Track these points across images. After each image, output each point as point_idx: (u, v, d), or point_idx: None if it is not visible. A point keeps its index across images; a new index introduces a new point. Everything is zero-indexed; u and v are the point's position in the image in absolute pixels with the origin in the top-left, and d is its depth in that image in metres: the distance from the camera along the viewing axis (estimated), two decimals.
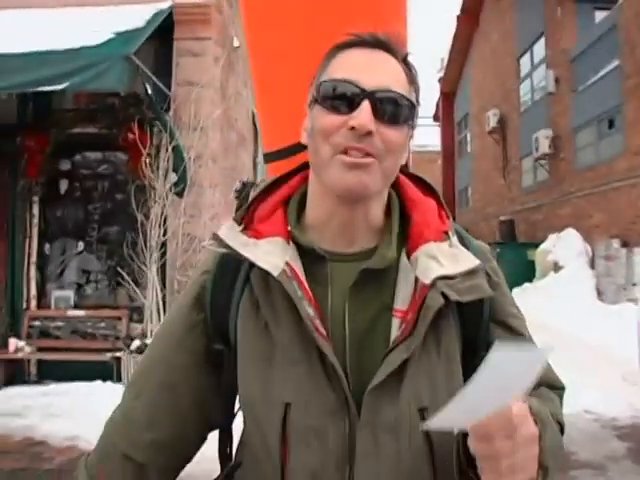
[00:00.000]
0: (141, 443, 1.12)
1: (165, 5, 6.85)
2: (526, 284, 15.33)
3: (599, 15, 15.90)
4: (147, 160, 6.56)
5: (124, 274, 6.83)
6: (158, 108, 6.51)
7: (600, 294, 13.20)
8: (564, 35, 16.65)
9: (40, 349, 7.09)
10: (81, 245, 7.66)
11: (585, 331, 10.51)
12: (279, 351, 1.03)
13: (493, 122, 22.26)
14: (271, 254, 1.04)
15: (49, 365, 7.07)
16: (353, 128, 0.98)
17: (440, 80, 32.95)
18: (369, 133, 0.98)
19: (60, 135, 7.25)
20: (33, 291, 7.43)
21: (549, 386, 1.17)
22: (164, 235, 6.77)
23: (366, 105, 0.98)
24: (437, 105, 34.74)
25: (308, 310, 1.00)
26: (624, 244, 13.04)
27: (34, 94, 6.84)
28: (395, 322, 1.03)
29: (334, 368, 0.98)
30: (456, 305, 1.05)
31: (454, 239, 1.10)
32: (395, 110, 1.01)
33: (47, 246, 7.63)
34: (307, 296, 1.01)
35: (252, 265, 1.05)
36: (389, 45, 1.05)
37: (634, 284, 12.33)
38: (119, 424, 1.16)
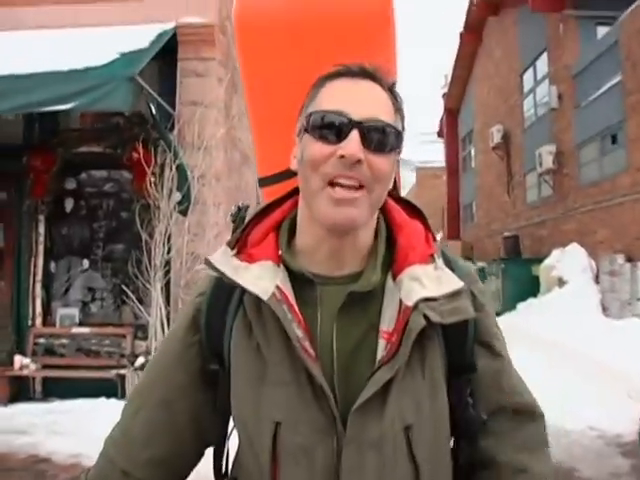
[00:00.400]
0: (139, 460, 1.15)
1: (169, 26, 6.94)
2: (531, 299, 15.27)
3: (601, 31, 15.94)
4: (151, 179, 6.62)
5: (128, 292, 6.87)
6: (162, 128, 6.58)
7: (605, 309, 13.14)
8: (566, 51, 16.71)
9: (45, 366, 7.13)
10: (86, 263, 7.73)
11: (590, 346, 10.44)
12: (270, 371, 1.06)
13: (497, 138, 22.27)
14: (261, 278, 1.07)
15: (54, 382, 7.10)
16: (342, 157, 1.00)
17: (444, 96, 33.05)
18: (358, 162, 1.01)
19: (66, 154, 7.35)
20: (38, 309, 7.49)
21: (526, 411, 1.18)
22: (168, 253, 6.81)
23: (355, 135, 1.01)
24: (441, 121, 34.78)
25: (297, 332, 1.02)
26: (628, 259, 12.99)
27: (40, 114, 6.92)
28: (381, 343, 1.06)
29: (322, 388, 1.01)
30: (441, 326, 1.07)
31: (439, 262, 1.13)
32: (382, 139, 1.04)
33: (52, 264, 7.69)
34: (297, 318, 1.04)
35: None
36: (375, 75, 1.08)
37: (639, 299, 12.29)
38: (118, 441, 1.19)
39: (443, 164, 34.95)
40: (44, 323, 7.50)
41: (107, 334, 7.26)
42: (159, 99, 6.65)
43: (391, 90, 1.10)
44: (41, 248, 7.54)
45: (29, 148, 7.43)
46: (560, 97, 17.00)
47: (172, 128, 7.07)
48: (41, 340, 7.29)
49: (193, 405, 1.17)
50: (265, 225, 1.18)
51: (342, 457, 1.00)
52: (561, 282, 14.22)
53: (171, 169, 6.67)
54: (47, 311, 7.59)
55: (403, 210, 1.21)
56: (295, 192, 1.20)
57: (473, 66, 27.97)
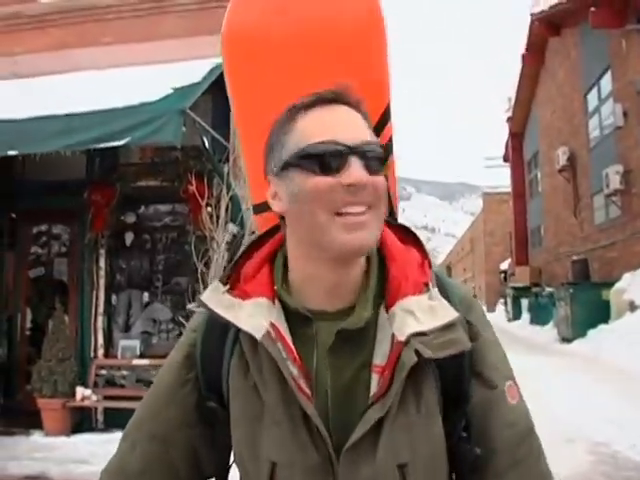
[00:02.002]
0: None
1: (222, 60, 7.06)
2: (601, 325, 14.73)
3: None
4: (207, 210, 6.70)
5: (186, 324, 6.91)
6: (215, 160, 6.68)
7: None
8: (630, 67, 16.30)
9: (106, 397, 7.25)
10: (146, 295, 7.87)
11: None
12: (266, 411, 1.04)
13: (563, 160, 21.85)
14: (255, 316, 1.05)
15: (115, 413, 7.19)
16: (350, 185, 0.99)
17: (508, 120, 32.67)
18: (364, 186, 1.00)
19: (124, 189, 7.54)
20: (100, 341, 7.65)
21: (519, 446, 1.09)
22: None
23: (355, 160, 1.00)
24: (506, 145, 34.39)
25: (292, 370, 1.01)
26: None
27: (101, 151, 7.13)
28: (374, 377, 1.03)
29: (318, 428, 0.99)
30: (435, 359, 1.03)
31: (434, 291, 1.08)
32: (377, 159, 1.04)
33: (114, 297, 7.86)
34: (292, 356, 1.02)
35: None
36: (346, 97, 1.07)
37: None
38: (113, 474, 1.18)
39: (510, 189, 34.49)
40: (106, 355, 7.65)
41: None
42: (213, 132, 6.76)
43: (359, 109, 1.08)
44: (102, 282, 7.72)
45: (90, 183, 7.67)
46: (626, 114, 16.57)
47: (227, 160, 7.16)
48: (102, 371, 7.42)
49: (188, 439, 1.15)
50: (258, 257, 1.15)
51: None
52: (633, 306, 13.69)
53: (225, 200, 6.74)
54: (109, 343, 7.75)
55: (398, 234, 1.17)
56: None
57: (536, 88, 27.66)
